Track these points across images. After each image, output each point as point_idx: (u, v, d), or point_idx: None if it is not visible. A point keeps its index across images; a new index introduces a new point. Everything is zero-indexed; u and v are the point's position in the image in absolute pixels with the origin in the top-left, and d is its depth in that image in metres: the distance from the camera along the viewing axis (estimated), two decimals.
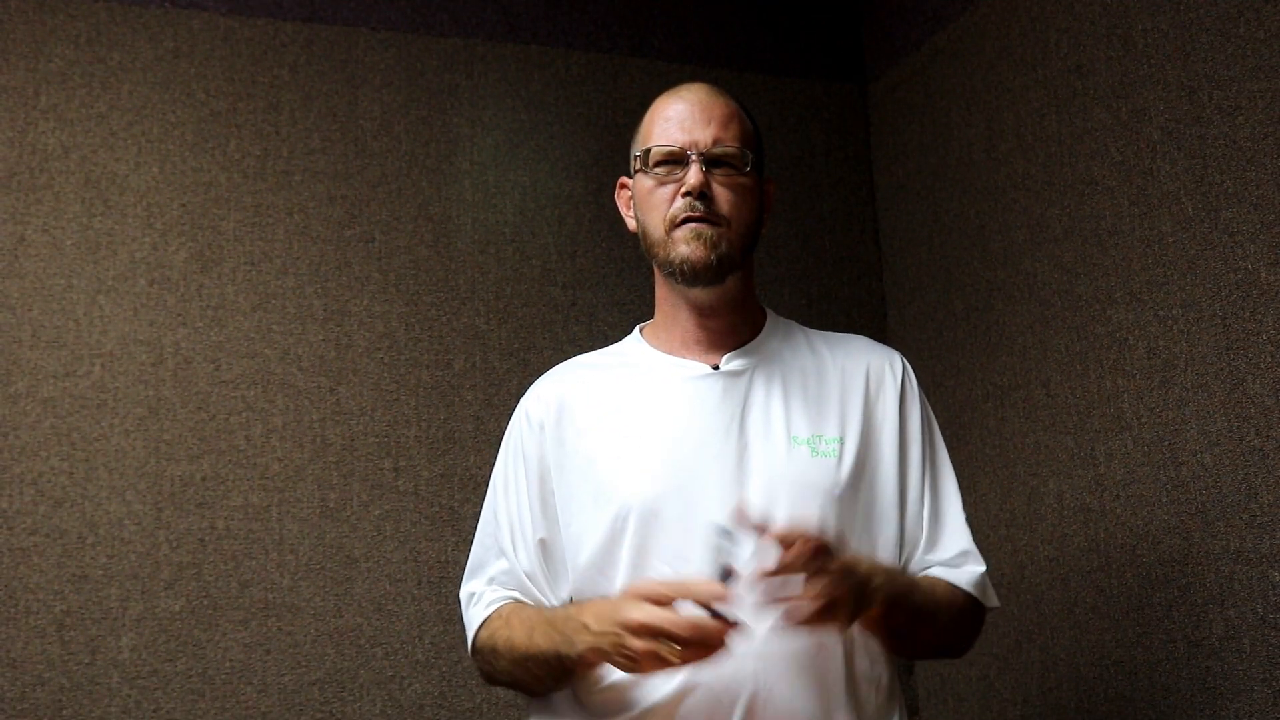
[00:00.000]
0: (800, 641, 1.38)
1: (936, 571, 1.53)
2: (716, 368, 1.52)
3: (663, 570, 1.41)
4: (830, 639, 1.40)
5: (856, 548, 1.45)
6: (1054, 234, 2.22)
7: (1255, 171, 1.83)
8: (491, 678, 1.53)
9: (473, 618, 1.53)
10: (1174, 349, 1.95)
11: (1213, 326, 1.88)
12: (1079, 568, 2.12)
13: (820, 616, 1.27)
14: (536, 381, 1.62)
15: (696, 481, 1.44)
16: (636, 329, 1.62)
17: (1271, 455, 1.78)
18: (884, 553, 1.51)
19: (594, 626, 1.32)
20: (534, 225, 2.52)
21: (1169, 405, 1.95)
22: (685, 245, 1.46)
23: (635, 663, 1.28)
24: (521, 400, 1.60)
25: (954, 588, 1.51)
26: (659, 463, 1.46)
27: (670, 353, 1.55)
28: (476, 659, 1.54)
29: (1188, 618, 1.90)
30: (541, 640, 1.41)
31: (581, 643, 1.34)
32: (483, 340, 2.43)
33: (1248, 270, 1.83)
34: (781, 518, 1.40)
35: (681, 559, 1.41)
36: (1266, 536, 1.78)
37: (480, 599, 1.53)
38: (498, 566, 1.54)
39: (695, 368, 1.52)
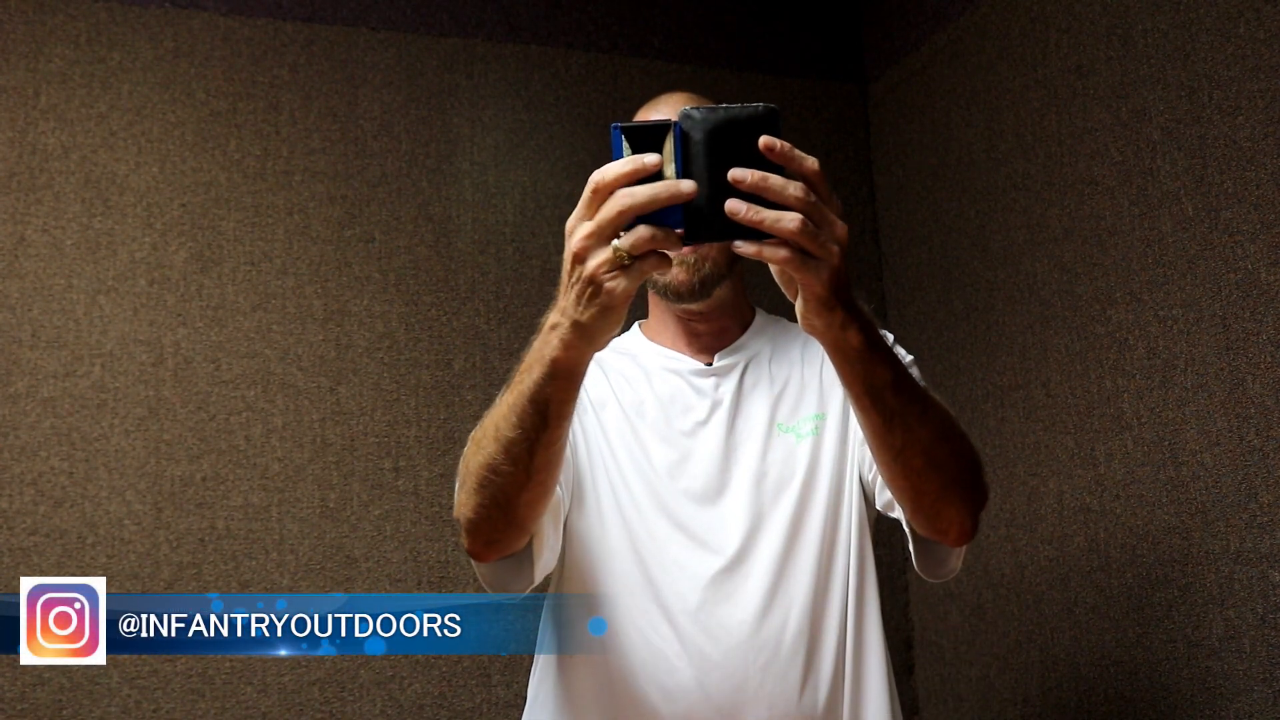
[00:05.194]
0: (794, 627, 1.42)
1: None
2: (709, 364, 1.56)
3: (650, 562, 1.45)
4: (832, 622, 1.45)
5: (842, 531, 1.49)
6: (1054, 234, 2.22)
7: (1255, 171, 1.83)
8: (475, 488, 1.25)
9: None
10: (1174, 349, 1.95)
11: (1213, 326, 1.88)
12: (1079, 568, 2.12)
13: (797, 259, 1.06)
14: None
15: (686, 478, 1.48)
16: (636, 324, 1.66)
17: (1271, 455, 1.78)
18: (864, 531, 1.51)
19: (556, 307, 1.14)
20: (534, 225, 2.52)
21: (1169, 405, 1.95)
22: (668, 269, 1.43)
23: (603, 285, 1.09)
24: None
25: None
26: (657, 457, 1.50)
27: (667, 347, 1.59)
28: (459, 485, 1.30)
29: (1188, 618, 1.90)
30: (518, 378, 1.20)
31: (553, 329, 1.13)
32: (483, 340, 2.43)
33: (1248, 270, 1.83)
34: (767, 503, 1.46)
35: (668, 551, 1.45)
36: (1266, 536, 1.78)
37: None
38: None
39: (690, 364, 1.56)
